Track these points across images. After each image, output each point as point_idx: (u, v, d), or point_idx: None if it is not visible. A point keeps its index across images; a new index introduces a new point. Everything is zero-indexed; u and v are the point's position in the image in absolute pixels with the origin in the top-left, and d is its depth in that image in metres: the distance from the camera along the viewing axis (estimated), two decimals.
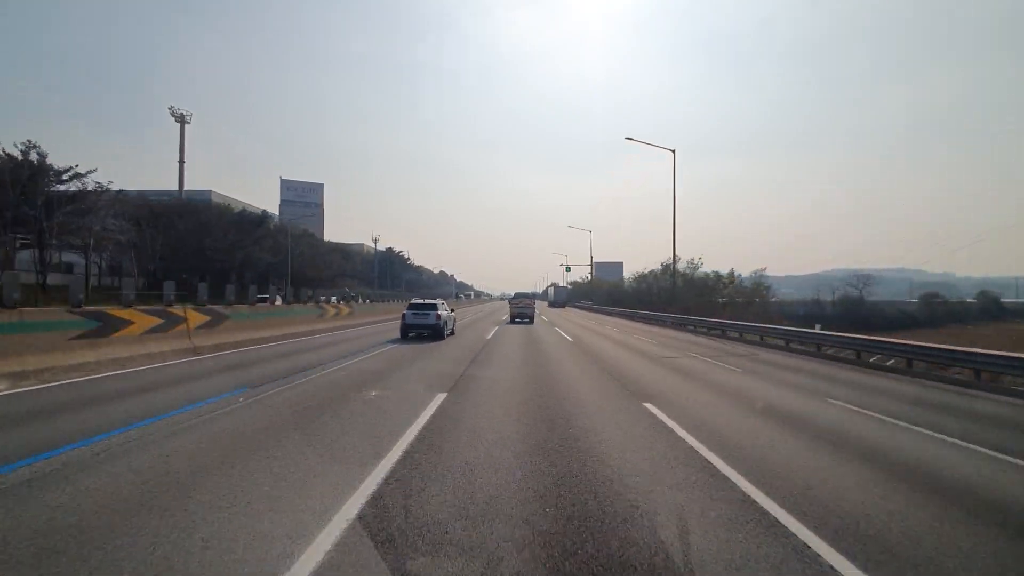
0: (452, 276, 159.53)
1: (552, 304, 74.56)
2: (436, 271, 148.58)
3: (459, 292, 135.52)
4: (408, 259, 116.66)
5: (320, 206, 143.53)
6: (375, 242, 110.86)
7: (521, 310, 28.72)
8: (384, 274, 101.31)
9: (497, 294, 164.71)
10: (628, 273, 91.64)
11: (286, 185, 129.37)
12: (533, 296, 38.26)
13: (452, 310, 19.83)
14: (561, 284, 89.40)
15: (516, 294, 36.56)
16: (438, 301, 18.95)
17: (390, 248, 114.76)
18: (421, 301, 18.36)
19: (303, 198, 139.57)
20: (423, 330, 16.56)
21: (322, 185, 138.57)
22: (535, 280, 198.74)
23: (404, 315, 16.82)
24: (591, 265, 69.38)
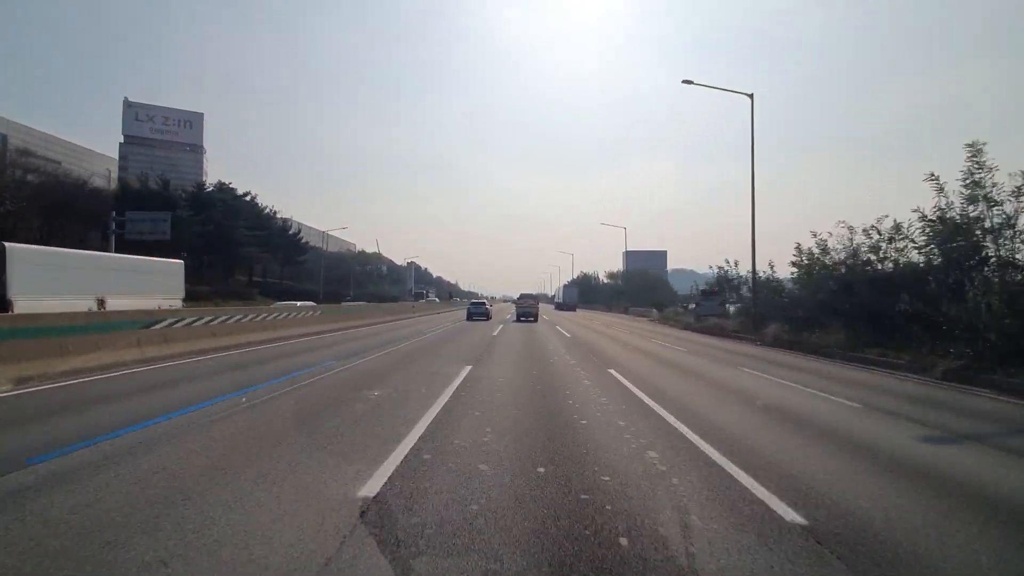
0: (426, 270, 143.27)
1: (559, 307, 63.80)
2: (403, 263, 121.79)
3: (418, 289, 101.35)
4: (271, 212, 65.24)
5: (199, 149, 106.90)
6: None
7: (526, 309, 31.27)
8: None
9: (498, 295, 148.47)
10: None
11: (135, 112, 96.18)
12: (537, 297, 41.16)
13: (492, 303, 41.49)
14: (571, 283, 79.65)
15: (521, 295, 38.79)
16: (486, 301, 37.55)
17: (222, 184, 59.15)
18: (478, 300, 38.11)
19: (167, 135, 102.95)
20: (479, 316, 30.08)
21: (201, 115, 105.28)
22: (538, 281, 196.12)
23: (468, 308, 32.29)
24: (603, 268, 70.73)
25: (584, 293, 77.71)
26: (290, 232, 65.64)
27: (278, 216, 64.52)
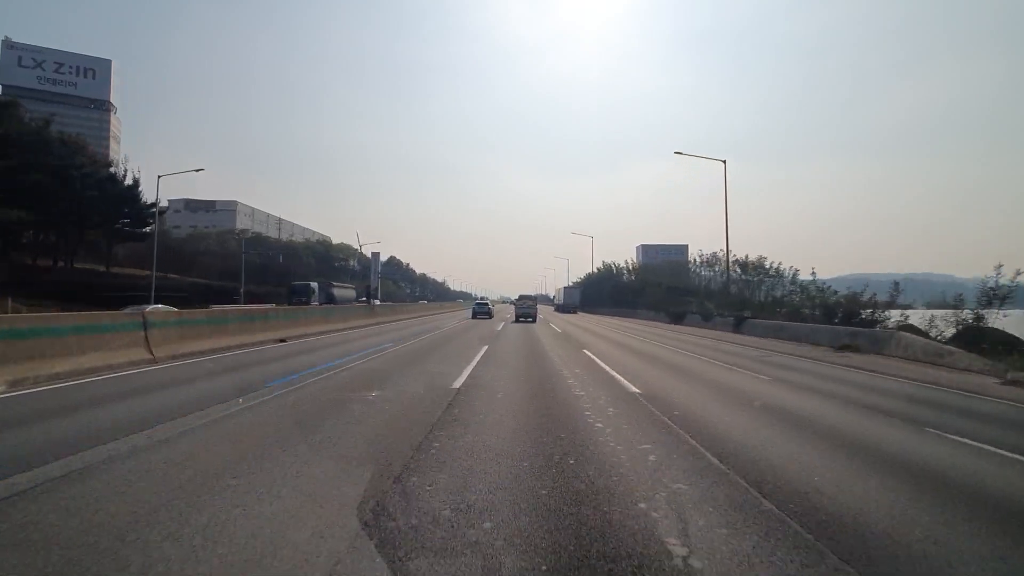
0: (408, 266, 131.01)
1: (559, 308, 60.12)
2: (379, 257, 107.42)
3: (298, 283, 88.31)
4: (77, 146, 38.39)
5: (106, 105, 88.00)
6: None
7: (525, 310, 32.68)
8: None
9: (495, 296, 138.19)
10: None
11: (18, 54, 77.73)
12: (536, 298, 40.11)
13: (493, 304, 44.63)
14: (573, 285, 72.35)
15: (520, 296, 39.60)
16: (488, 301, 41.46)
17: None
18: (481, 301, 42.30)
19: (60, 87, 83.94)
20: (482, 315, 33.73)
21: (109, 63, 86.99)
22: (537, 283, 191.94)
23: (473, 307, 37.15)
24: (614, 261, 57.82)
25: (599, 293, 63.07)
26: (123, 185, 39.27)
27: (91, 153, 39.51)
